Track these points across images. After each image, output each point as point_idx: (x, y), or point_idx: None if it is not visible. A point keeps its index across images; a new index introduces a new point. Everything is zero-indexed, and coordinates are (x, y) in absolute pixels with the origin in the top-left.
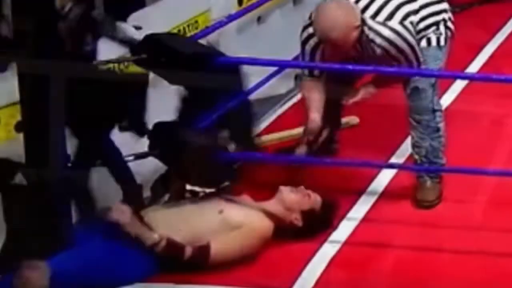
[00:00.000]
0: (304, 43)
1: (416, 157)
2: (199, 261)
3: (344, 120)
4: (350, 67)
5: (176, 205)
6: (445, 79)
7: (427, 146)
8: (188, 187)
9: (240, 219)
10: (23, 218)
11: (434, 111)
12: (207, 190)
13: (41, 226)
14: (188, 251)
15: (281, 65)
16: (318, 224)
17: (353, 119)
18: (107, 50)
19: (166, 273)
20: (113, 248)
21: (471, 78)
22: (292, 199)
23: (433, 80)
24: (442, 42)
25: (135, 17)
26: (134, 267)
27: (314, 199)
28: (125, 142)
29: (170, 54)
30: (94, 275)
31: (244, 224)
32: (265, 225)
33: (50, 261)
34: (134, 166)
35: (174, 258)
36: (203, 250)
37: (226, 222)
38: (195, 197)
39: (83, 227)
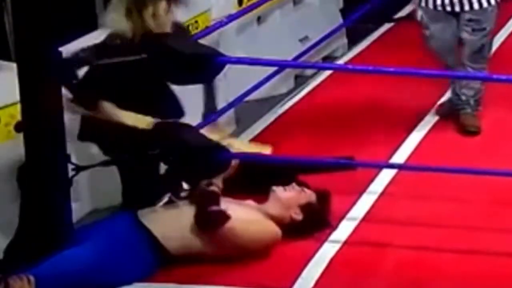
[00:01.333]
0: None
1: (464, 97)
2: (216, 221)
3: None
4: (349, 66)
5: (178, 207)
6: (445, 78)
7: (478, 87)
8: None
9: (252, 219)
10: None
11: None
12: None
13: (41, 226)
14: (217, 207)
15: (281, 65)
16: (318, 216)
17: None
18: None
19: (167, 273)
20: (113, 248)
21: (471, 77)
22: (287, 196)
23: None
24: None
25: None
26: (134, 266)
27: (309, 193)
28: None
29: (170, 54)
30: (94, 276)
31: (256, 221)
32: (275, 227)
33: (51, 261)
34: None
35: (204, 202)
36: (224, 215)
37: (239, 220)
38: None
39: (83, 227)
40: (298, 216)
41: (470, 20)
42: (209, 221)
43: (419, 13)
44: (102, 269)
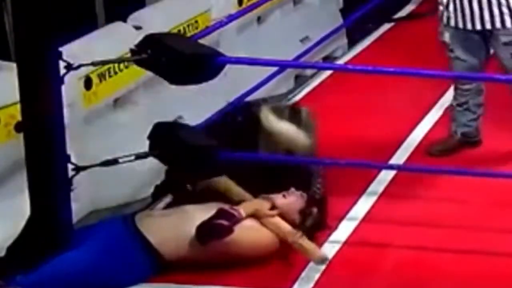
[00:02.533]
0: None
1: None
2: (214, 234)
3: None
4: (349, 66)
5: (176, 212)
6: (445, 79)
7: None
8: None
9: (251, 223)
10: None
11: None
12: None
13: (41, 226)
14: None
15: (281, 65)
16: (317, 219)
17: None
18: (107, 50)
19: (167, 273)
20: (108, 253)
21: (471, 78)
22: (286, 203)
23: None
24: None
25: (135, 17)
26: (129, 272)
27: (308, 198)
28: (125, 142)
29: (170, 54)
30: (87, 280)
31: (256, 226)
32: (272, 234)
33: (50, 263)
34: (134, 166)
35: (215, 216)
36: (225, 229)
37: (238, 226)
38: (196, 202)
39: (82, 228)
40: (297, 220)
41: (506, 44)
42: (207, 234)
43: (446, 34)
44: (96, 273)
